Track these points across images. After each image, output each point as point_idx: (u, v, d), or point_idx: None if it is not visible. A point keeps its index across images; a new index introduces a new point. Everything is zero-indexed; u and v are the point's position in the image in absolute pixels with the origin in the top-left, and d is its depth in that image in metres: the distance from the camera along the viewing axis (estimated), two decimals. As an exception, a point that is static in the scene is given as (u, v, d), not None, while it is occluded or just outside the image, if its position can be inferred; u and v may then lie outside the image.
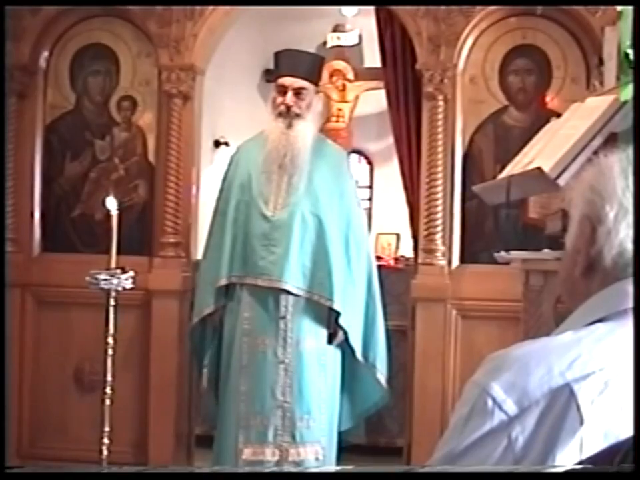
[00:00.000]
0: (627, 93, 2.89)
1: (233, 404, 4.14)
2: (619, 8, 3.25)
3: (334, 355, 4.20)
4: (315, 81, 4.29)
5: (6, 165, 4.81)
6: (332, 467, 3.67)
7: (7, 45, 4.82)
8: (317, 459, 4.09)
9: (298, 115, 4.17)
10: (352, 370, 4.26)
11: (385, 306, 4.47)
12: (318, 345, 4.14)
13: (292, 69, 4.17)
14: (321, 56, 4.69)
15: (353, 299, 4.19)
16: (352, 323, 4.17)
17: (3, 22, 4.46)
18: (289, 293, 4.10)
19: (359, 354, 4.20)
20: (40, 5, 4.82)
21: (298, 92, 4.16)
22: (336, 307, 4.10)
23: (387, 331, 4.50)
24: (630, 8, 2.98)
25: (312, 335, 4.13)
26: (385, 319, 4.46)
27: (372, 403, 4.34)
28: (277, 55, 4.32)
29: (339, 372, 4.22)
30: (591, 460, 1.14)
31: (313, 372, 4.12)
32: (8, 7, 4.48)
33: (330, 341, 4.17)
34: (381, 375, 4.25)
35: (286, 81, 4.18)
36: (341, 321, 4.14)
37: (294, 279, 4.09)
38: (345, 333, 4.16)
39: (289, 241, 4.10)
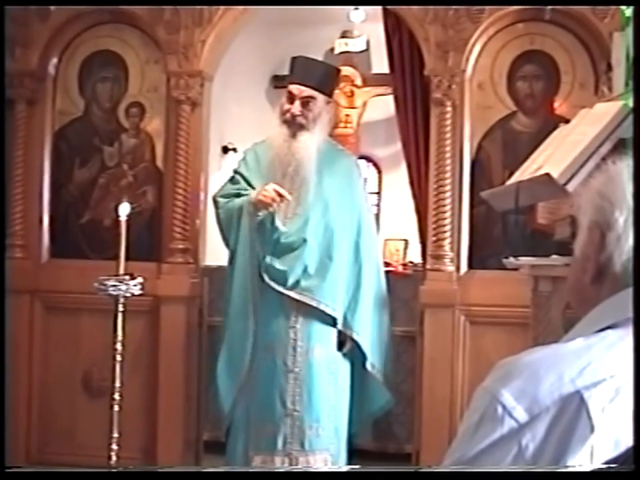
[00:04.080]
0: (636, 98, 2.89)
1: (243, 412, 4.14)
2: (626, 13, 3.25)
3: (344, 362, 4.19)
4: (327, 92, 4.20)
5: (6, 173, 4.81)
6: (343, 467, 3.67)
7: (16, 52, 4.85)
8: (326, 466, 4.08)
9: (302, 126, 4.11)
10: (358, 374, 4.25)
11: (392, 312, 4.46)
12: (327, 353, 4.13)
13: (303, 78, 4.12)
14: (337, 68, 4.61)
15: (363, 306, 4.18)
16: (362, 330, 4.17)
17: (3, 22, 4.48)
18: (298, 301, 4.09)
19: (370, 359, 4.18)
20: (40, 4, 4.82)
21: (306, 102, 4.12)
22: (338, 315, 4.10)
23: (395, 337, 4.49)
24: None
25: (321, 344, 4.12)
26: (393, 325, 4.45)
27: (377, 407, 4.33)
28: (293, 60, 4.26)
29: (348, 379, 4.21)
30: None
31: (322, 380, 4.11)
32: (8, 6, 4.49)
33: (340, 348, 4.17)
34: (386, 380, 4.24)
35: (294, 89, 4.14)
36: (351, 329, 4.13)
37: (302, 288, 4.08)
38: (355, 341, 4.15)
39: (299, 251, 4.09)
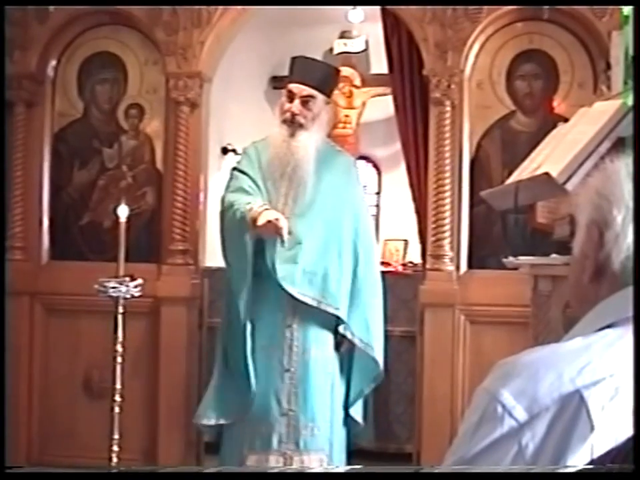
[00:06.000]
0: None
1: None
2: (625, 12, 3.25)
3: (341, 363, 4.18)
4: (326, 91, 4.20)
5: (6, 174, 4.81)
6: (341, 467, 3.66)
7: (15, 54, 4.85)
8: (321, 467, 4.07)
9: (301, 125, 4.11)
10: (348, 351, 4.23)
11: (392, 312, 4.45)
12: (324, 354, 4.12)
13: (303, 77, 4.13)
14: (336, 68, 4.61)
15: (359, 305, 4.17)
16: (359, 330, 4.16)
17: (3, 22, 4.48)
18: (295, 301, 4.08)
19: (375, 352, 4.15)
20: (40, 4, 4.82)
21: (305, 100, 4.12)
22: (342, 315, 4.09)
23: (395, 337, 4.49)
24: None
25: (318, 344, 4.11)
26: (394, 325, 4.44)
27: (368, 382, 4.28)
28: (293, 60, 4.26)
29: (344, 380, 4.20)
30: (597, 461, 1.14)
31: (318, 380, 4.10)
32: (8, 6, 4.49)
33: (337, 348, 4.16)
34: (378, 354, 4.20)
35: (294, 87, 4.14)
36: (347, 330, 4.12)
37: (301, 288, 4.07)
38: (351, 341, 4.14)
39: (296, 250, 4.08)
